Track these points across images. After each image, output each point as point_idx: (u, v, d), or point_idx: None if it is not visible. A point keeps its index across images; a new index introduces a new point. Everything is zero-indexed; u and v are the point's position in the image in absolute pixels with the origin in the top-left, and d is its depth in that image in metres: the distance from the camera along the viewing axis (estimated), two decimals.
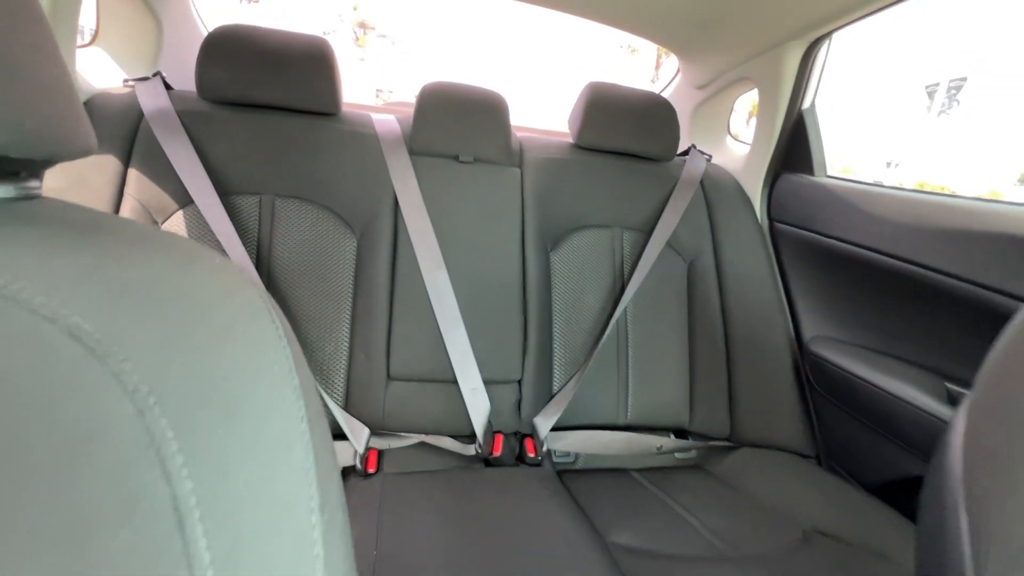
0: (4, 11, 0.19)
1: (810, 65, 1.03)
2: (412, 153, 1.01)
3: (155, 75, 0.97)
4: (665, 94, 1.43)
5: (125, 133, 0.89)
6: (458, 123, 1.02)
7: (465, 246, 0.99)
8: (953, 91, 14.12)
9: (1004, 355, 0.34)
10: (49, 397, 0.14)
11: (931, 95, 14.49)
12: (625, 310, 1.07)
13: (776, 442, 1.03)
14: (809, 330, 1.06)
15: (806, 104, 1.07)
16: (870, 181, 1.02)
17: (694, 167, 1.17)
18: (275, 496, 0.19)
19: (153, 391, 0.16)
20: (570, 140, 1.16)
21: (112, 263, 0.19)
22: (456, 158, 1.03)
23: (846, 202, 0.99)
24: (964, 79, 14.45)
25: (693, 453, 1.07)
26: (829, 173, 1.11)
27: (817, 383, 1.02)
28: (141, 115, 0.90)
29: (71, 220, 0.21)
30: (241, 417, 0.19)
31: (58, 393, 0.15)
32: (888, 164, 15.82)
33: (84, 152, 0.23)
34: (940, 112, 13.98)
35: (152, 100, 0.91)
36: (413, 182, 0.98)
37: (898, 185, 0.99)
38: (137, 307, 0.18)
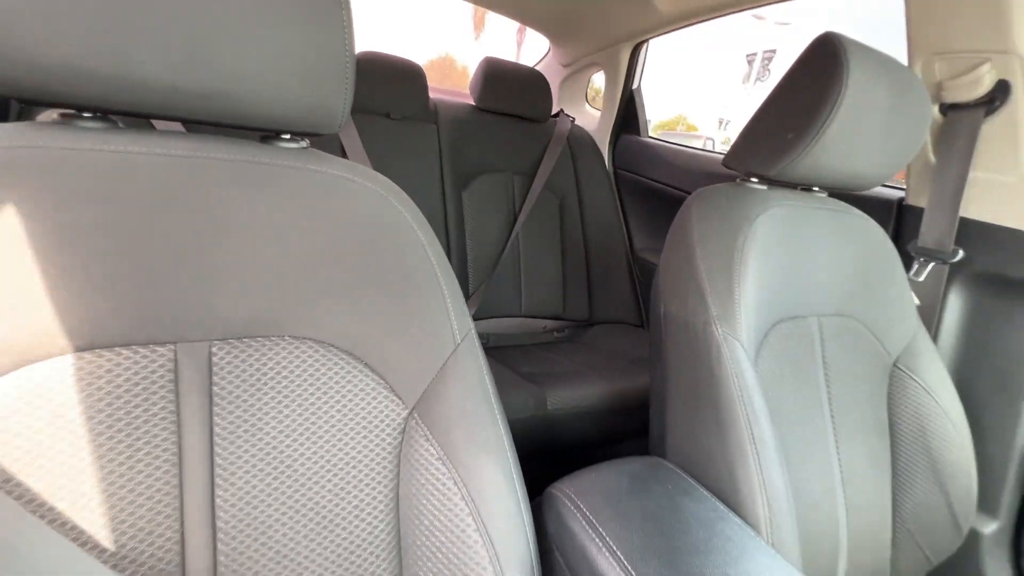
0: None
1: (636, 60, 1.48)
2: (352, 111, 1.27)
3: None
4: (539, 67, 1.81)
5: None
6: (388, 87, 1.30)
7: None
8: (766, 61, 16.68)
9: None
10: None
11: (750, 63, 16.98)
12: (517, 234, 1.47)
13: (618, 319, 1.54)
14: (638, 242, 1.58)
15: (634, 86, 1.54)
16: (675, 141, 1.54)
17: (563, 127, 1.59)
18: None
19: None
20: (472, 103, 1.49)
21: None
22: (388, 115, 1.31)
23: (660, 155, 1.49)
24: (774, 51, 17.13)
25: (566, 331, 1.54)
26: (651, 134, 1.61)
27: (643, 278, 1.54)
28: None
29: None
30: None
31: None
32: (720, 122, 18.39)
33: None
34: (756, 80, 16.50)
35: None
36: (355, 133, 1.24)
37: (691, 145, 1.51)
38: None
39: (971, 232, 0.81)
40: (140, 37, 0.34)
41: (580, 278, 1.54)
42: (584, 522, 0.48)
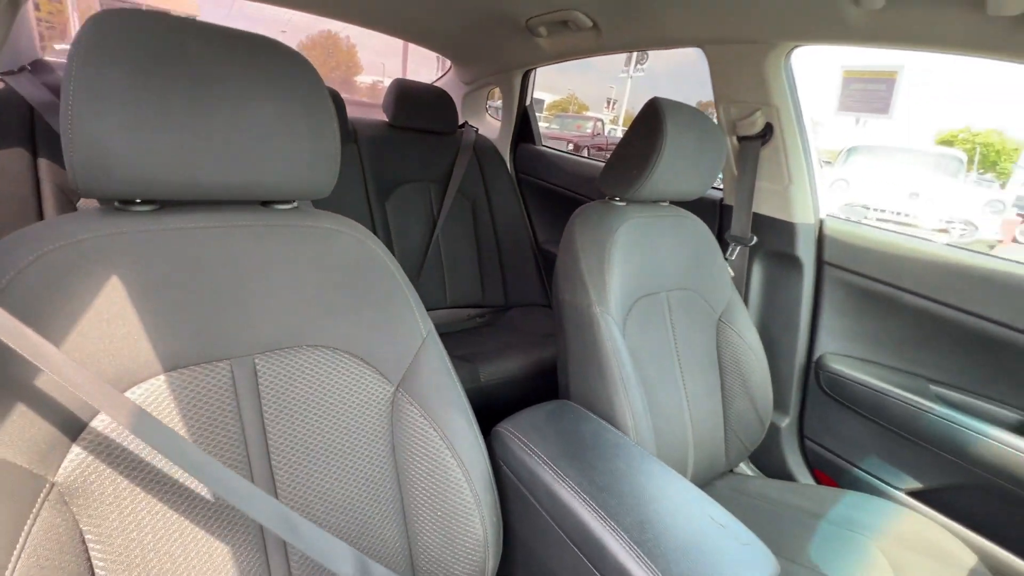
0: None
1: (527, 82, 1.74)
2: None
3: (21, 69, 1.09)
4: (441, 82, 2.00)
5: (23, 123, 1.05)
6: None
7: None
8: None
9: None
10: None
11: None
12: (437, 236, 1.68)
13: (529, 302, 1.82)
14: (540, 235, 1.86)
15: (527, 103, 1.80)
16: (563, 149, 1.83)
17: (468, 137, 1.80)
18: None
19: None
20: (386, 120, 1.65)
21: None
22: None
23: (553, 162, 1.77)
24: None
25: (487, 316, 1.79)
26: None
27: (546, 266, 1.83)
28: (29, 107, 1.06)
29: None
30: None
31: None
32: (607, 102, 19.63)
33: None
34: (636, 64, 17.73)
35: (34, 92, 1.07)
36: None
37: (570, 151, 1.81)
38: None
39: (762, 223, 1.18)
40: (203, 154, 0.49)
41: (495, 270, 1.79)
42: (520, 443, 0.73)
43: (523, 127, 1.85)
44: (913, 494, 1.04)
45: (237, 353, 0.54)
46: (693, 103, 1.00)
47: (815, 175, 1.12)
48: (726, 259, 1.15)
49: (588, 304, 0.87)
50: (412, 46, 1.78)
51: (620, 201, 1.00)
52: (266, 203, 0.62)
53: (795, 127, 1.08)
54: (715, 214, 1.29)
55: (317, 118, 0.57)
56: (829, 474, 1.16)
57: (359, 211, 1.51)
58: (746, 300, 1.23)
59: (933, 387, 1.02)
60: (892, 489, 1.06)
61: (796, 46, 1.00)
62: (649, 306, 0.98)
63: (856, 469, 1.11)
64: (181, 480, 0.51)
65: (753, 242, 1.16)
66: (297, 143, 0.55)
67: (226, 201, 0.57)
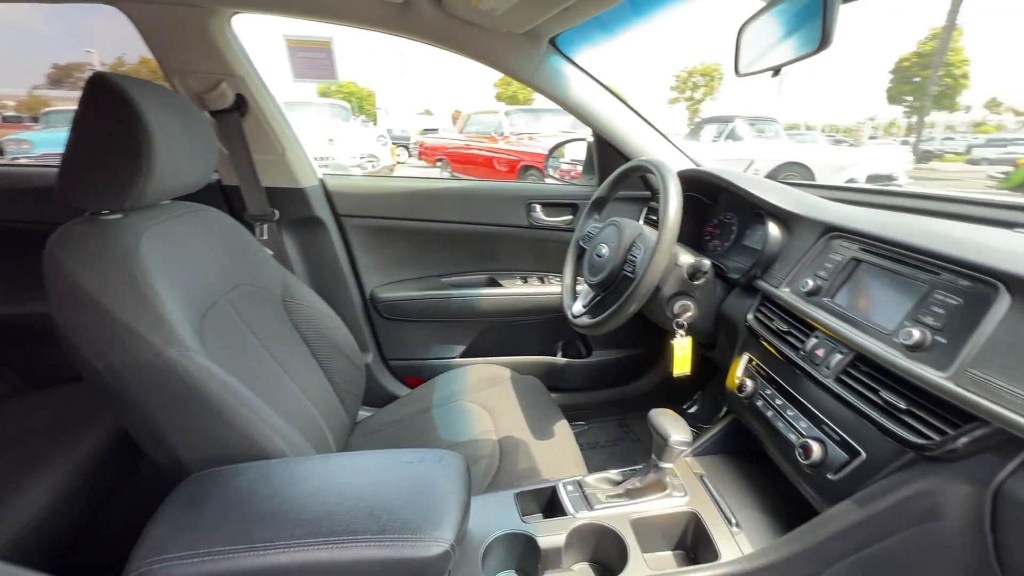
0: None
1: None
2: None
3: None
4: None
5: None
6: None
7: None
8: None
9: None
10: None
11: None
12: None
13: None
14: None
15: None
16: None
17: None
18: None
19: None
20: None
21: None
22: None
23: None
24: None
25: None
26: None
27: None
28: None
29: None
30: None
31: None
32: None
33: None
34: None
35: None
36: None
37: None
38: None
39: (276, 196, 1.18)
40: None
41: None
42: (180, 561, 0.54)
43: None
44: (466, 354, 1.45)
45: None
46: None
47: (300, 141, 1.19)
48: (259, 240, 1.10)
49: (155, 353, 0.66)
50: None
51: (112, 214, 0.75)
52: None
53: (266, 94, 1.09)
54: (219, 198, 1.17)
55: None
56: (416, 376, 1.45)
57: None
58: (294, 271, 1.24)
59: (445, 279, 1.41)
60: (457, 359, 1.44)
61: (236, 12, 0.96)
62: (216, 319, 0.85)
63: (431, 360, 1.44)
64: None
65: (276, 217, 1.15)
66: None
67: None
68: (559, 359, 1.48)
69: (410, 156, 13.68)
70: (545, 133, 6.80)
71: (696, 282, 0.91)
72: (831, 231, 0.78)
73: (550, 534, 0.71)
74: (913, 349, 0.57)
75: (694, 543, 0.74)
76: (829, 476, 0.63)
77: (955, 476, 0.52)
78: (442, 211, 1.32)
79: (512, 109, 7.52)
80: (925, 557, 0.59)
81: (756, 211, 0.95)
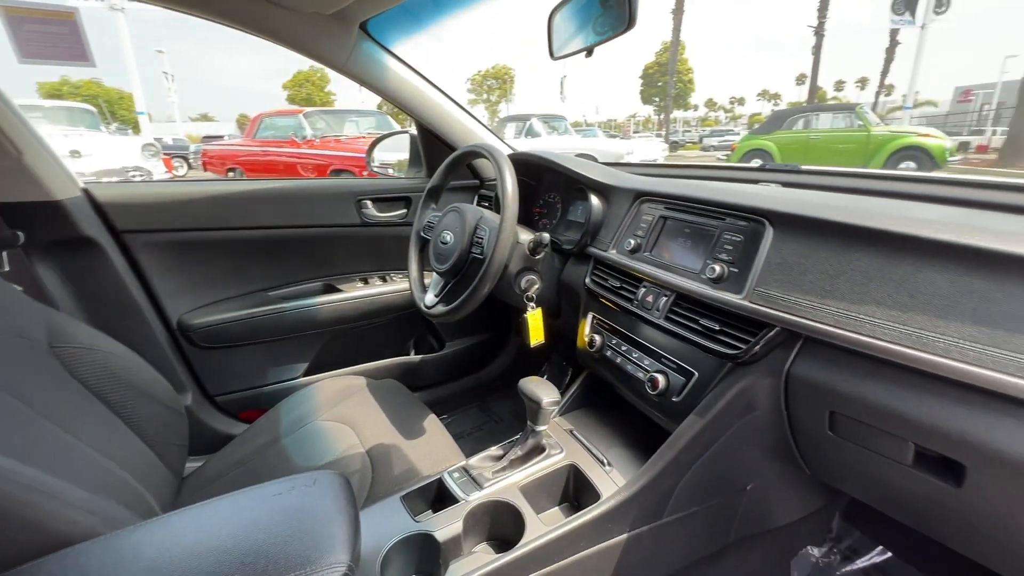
0: None
1: None
2: None
3: None
4: None
5: None
6: None
7: None
8: None
9: None
10: None
11: None
12: None
13: None
14: None
15: None
16: None
17: None
18: None
19: None
20: None
21: None
22: None
23: None
24: None
25: None
26: None
27: None
28: None
29: None
30: None
31: None
32: None
33: None
34: None
35: None
36: None
37: None
38: None
39: (17, 212, 0.89)
40: None
41: None
42: None
43: None
44: (312, 371, 1.31)
45: None
46: None
47: (46, 142, 0.92)
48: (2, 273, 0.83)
49: None
50: None
51: None
52: None
53: None
54: None
55: None
56: (255, 408, 1.26)
57: None
58: (60, 307, 0.96)
59: (273, 293, 1.25)
60: (302, 378, 1.29)
61: None
62: None
63: (270, 387, 1.26)
64: None
65: (22, 240, 0.88)
66: None
67: None
68: (413, 357, 1.45)
69: (191, 168, 11.83)
70: (352, 135, 6.50)
71: (538, 256, 0.98)
72: (641, 196, 0.92)
73: (446, 525, 0.70)
74: (716, 281, 0.70)
75: (576, 491, 0.80)
76: (674, 399, 0.75)
77: (760, 373, 0.66)
78: (258, 216, 1.17)
79: (312, 111, 6.98)
80: (746, 444, 0.74)
81: (578, 187, 1.06)
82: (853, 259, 0.58)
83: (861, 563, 0.99)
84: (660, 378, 0.76)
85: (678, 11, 19.46)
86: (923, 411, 0.52)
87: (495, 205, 1.26)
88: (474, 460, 0.83)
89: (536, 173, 1.23)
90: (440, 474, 0.80)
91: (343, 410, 1.08)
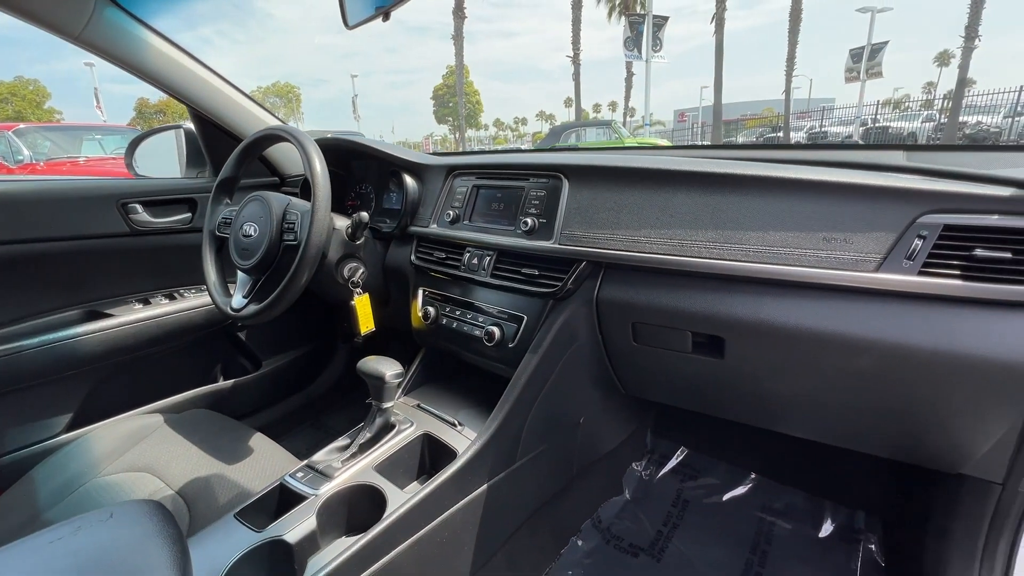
0: None
1: None
2: None
3: None
4: None
5: None
6: None
7: None
8: None
9: None
10: None
11: None
12: None
13: None
14: None
15: None
16: None
17: None
18: None
19: None
20: None
21: None
22: None
23: None
24: None
25: None
26: None
27: None
28: None
29: None
30: None
31: None
32: None
33: None
34: None
35: None
36: None
37: None
38: None
39: None
40: None
41: None
42: None
43: None
44: (80, 423, 1.03)
45: None
46: None
47: None
48: None
49: None
50: None
51: None
52: None
53: None
54: None
55: None
56: None
57: None
58: None
59: (8, 330, 0.95)
60: (64, 434, 1.00)
61: None
62: None
63: (13, 454, 0.95)
64: None
65: None
66: None
67: None
68: (224, 383, 1.25)
69: None
70: (94, 156, 5.28)
71: (358, 241, 0.95)
72: (453, 170, 0.97)
73: (296, 525, 0.63)
74: (529, 233, 0.79)
75: (433, 459, 0.80)
76: (510, 346, 0.81)
77: (577, 304, 0.76)
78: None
79: (30, 128, 5.43)
80: (576, 376, 0.84)
81: (391, 171, 1.06)
82: (629, 195, 0.71)
83: (671, 464, 1.20)
84: (495, 330, 0.82)
85: (458, 37, 20.75)
86: (696, 304, 0.67)
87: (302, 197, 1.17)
88: (318, 455, 0.76)
89: (345, 162, 1.19)
90: (281, 479, 0.72)
91: (135, 456, 0.88)
